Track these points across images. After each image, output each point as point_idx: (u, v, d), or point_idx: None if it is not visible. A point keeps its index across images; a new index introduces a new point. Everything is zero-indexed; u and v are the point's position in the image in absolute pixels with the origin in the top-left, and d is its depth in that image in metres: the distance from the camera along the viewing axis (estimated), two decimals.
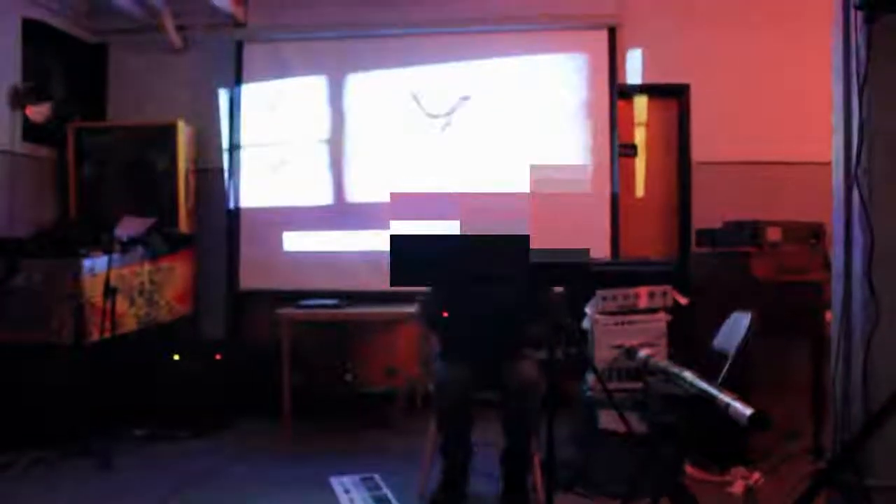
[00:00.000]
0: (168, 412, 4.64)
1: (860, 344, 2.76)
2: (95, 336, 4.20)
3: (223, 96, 5.60)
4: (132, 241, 4.66)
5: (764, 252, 4.14)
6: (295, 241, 5.42)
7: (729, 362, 2.64)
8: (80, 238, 4.52)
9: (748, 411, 2.15)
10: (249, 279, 5.46)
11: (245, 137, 5.54)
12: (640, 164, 5.55)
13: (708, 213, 5.06)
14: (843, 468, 2.72)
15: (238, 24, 5.55)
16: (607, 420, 3.44)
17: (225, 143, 5.58)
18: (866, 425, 2.65)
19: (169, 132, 5.24)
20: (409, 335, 4.76)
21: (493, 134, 5.30)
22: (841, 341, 2.89)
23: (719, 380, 2.53)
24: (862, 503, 2.66)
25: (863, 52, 2.82)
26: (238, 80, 5.54)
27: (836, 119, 2.99)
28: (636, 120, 5.58)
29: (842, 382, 2.89)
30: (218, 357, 4.87)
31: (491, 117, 5.31)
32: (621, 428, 2.89)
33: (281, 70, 5.51)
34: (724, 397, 2.29)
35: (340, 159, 5.43)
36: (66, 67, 5.51)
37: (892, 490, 2.67)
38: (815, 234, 4.39)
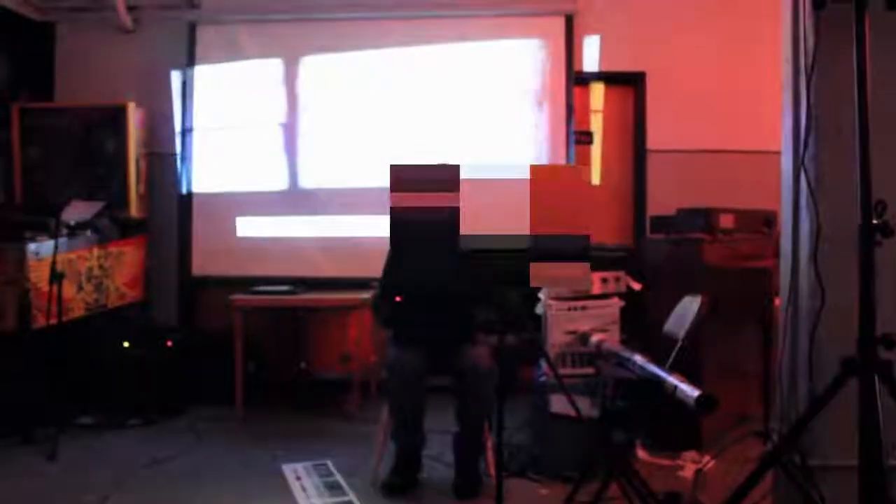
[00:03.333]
0: (118, 400, 4.55)
1: (806, 328, 2.80)
2: (41, 322, 4.09)
3: (175, 79, 5.49)
4: (80, 226, 4.55)
5: (716, 239, 4.18)
6: (249, 227, 5.34)
7: (678, 346, 2.66)
8: (25, 222, 4.40)
9: (695, 393, 2.17)
10: (202, 265, 5.37)
11: (198, 121, 5.44)
12: (595, 151, 5.58)
13: (663, 200, 5.09)
14: (788, 449, 2.76)
15: (191, 5, 5.43)
16: (559, 404, 3.45)
17: (177, 127, 5.47)
18: (810, 407, 2.68)
19: (119, 114, 5.12)
20: (364, 321, 4.72)
21: (449, 119, 5.27)
22: (788, 325, 2.93)
23: (668, 363, 2.54)
24: (806, 483, 2.70)
25: (811, 40, 2.84)
26: (191, 62, 5.42)
27: (785, 106, 3.02)
28: (592, 107, 5.60)
29: (788, 366, 2.93)
30: (169, 344, 4.79)
31: (447, 102, 5.28)
32: (573, 412, 2.89)
33: (235, 52, 5.40)
34: (672, 380, 2.31)
35: (295, 144, 5.36)
36: (12, 46, 5.34)
37: (834, 469, 2.71)
38: (767, 221, 4.45)
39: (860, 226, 2.50)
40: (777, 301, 3.45)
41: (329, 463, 3.79)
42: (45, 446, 3.87)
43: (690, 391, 2.19)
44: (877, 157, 2.54)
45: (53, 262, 4.07)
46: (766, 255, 4.31)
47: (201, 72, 5.42)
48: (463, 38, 5.32)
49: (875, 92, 2.55)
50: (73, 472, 3.68)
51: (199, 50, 5.43)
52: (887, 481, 2.66)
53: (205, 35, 5.43)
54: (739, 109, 5.24)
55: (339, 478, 3.60)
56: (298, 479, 3.59)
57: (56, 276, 4.06)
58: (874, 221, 2.49)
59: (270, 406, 4.88)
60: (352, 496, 3.37)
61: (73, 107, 5.22)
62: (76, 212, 4.58)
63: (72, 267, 4.36)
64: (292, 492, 3.43)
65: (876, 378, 2.46)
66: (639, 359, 2.62)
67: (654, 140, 5.42)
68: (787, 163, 3.01)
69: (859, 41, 2.44)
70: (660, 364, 2.57)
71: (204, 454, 3.97)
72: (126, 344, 4.70)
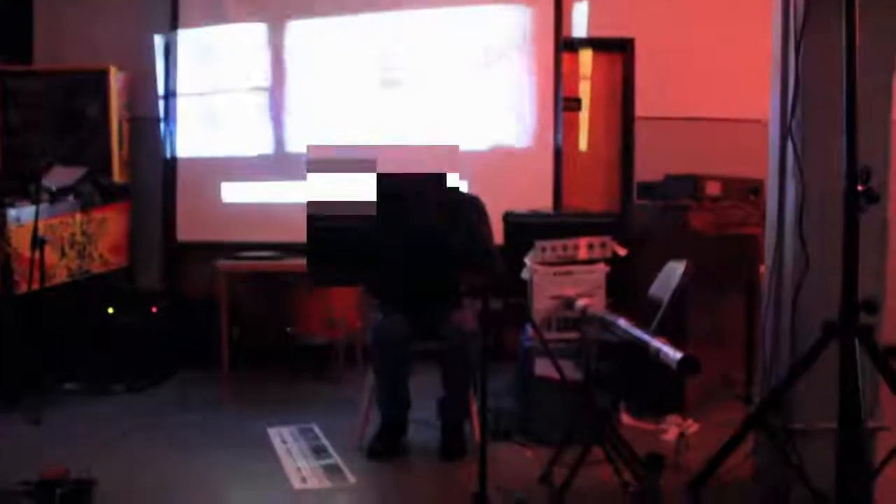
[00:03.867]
0: (102, 366, 4.53)
1: (790, 292, 2.82)
2: (24, 288, 4.05)
3: (158, 42, 5.40)
4: (62, 191, 4.50)
5: (703, 206, 4.19)
6: (234, 192, 5.29)
7: (662, 309, 2.67)
8: (4, 188, 4.34)
9: (678, 355, 2.18)
10: (187, 231, 5.32)
11: (181, 85, 5.36)
12: (583, 118, 5.55)
13: (650, 168, 5.09)
14: (769, 412, 2.79)
15: None
16: (543, 367, 3.47)
17: (160, 91, 5.40)
18: (792, 371, 2.71)
19: (100, 78, 5.03)
20: (349, 287, 4.71)
21: (436, 85, 5.22)
22: (772, 290, 2.95)
23: (652, 327, 2.56)
24: (787, 445, 2.73)
25: (801, 7, 2.83)
26: (174, 26, 5.33)
27: (774, 72, 3.02)
28: (581, 74, 5.56)
29: (771, 330, 2.95)
30: (154, 310, 4.77)
31: (434, 68, 5.23)
32: (557, 375, 2.91)
33: (219, 15, 5.31)
34: (656, 343, 2.32)
35: (281, 108, 5.30)
36: None
37: (814, 433, 2.75)
38: (753, 189, 4.46)
39: (845, 191, 2.51)
40: (762, 268, 3.47)
41: (315, 427, 3.80)
42: (29, 412, 3.85)
43: (673, 353, 2.20)
44: (862, 124, 2.55)
45: (35, 228, 4.02)
46: (752, 223, 4.32)
47: (185, 35, 5.34)
48: (451, 2, 5.25)
49: (862, 60, 2.55)
50: (58, 436, 3.68)
51: (182, 13, 5.32)
52: (866, 444, 2.71)
53: None
54: (728, 77, 5.21)
55: (324, 441, 3.61)
56: (284, 442, 3.60)
57: (38, 242, 4.01)
58: (859, 188, 2.50)
59: (256, 371, 4.89)
60: (337, 459, 3.39)
61: (53, 70, 5.12)
62: (58, 177, 4.52)
63: (54, 233, 4.31)
64: (278, 455, 3.44)
65: (856, 342, 2.49)
66: (623, 322, 2.63)
67: (642, 107, 5.39)
68: (774, 129, 3.01)
69: (848, 9, 2.43)
70: (644, 327, 2.59)
71: (189, 419, 3.97)
72: (110, 310, 4.68)
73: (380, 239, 3.42)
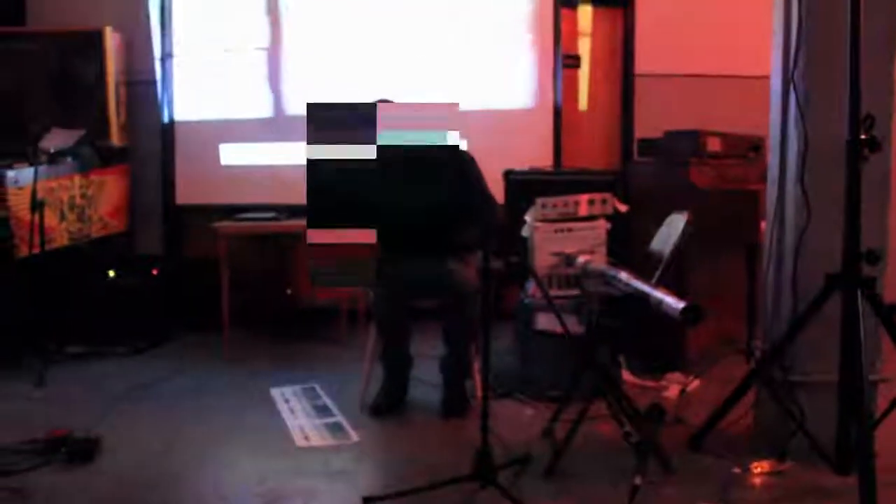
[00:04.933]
0: (104, 329, 4.53)
1: (791, 245, 2.81)
2: (24, 251, 4.04)
3: (153, 2, 5.32)
4: (60, 153, 4.47)
5: (703, 162, 4.16)
6: (233, 155, 5.26)
7: (664, 262, 2.66)
8: (2, 150, 4.31)
9: (680, 305, 2.17)
10: (186, 194, 5.29)
11: (178, 47, 5.30)
12: (583, 75, 5.50)
13: (651, 126, 5.02)
14: (770, 365, 2.80)
15: None
16: (544, 321, 3.47)
17: (157, 53, 5.34)
18: (792, 324, 2.72)
19: (95, 39, 4.95)
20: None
21: (434, 44, 5.16)
22: (773, 243, 2.94)
23: (654, 278, 2.55)
24: (787, 397, 2.74)
25: None
26: None
27: (776, 22, 2.97)
28: (580, 30, 5.49)
29: (773, 283, 2.95)
30: (155, 272, 4.77)
31: (433, 27, 5.16)
32: (558, 329, 2.91)
33: None
34: (658, 294, 2.31)
35: (279, 69, 5.25)
36: None
37: (814, 385, 2.75)
38: (754, 146, 4.42)
39: (848, 140, 2.50)
40: (763, 225, 3.46)
41: (317, 386, 3.82)
42: (32, 374, 3.87)
43: (675, 303, 2.20)
44: (865, 74, 2.52)
45: (34, 191, 4.00)
46: (753, 180, 4.30)
47: None
48: None
49: (865, 8, 2.52)
50: (61, 397, 3.70)
51: None
52: (867, 396, 2.72)
53: None
54: (728, 34, 5.14)
55: (326, 400, 3.63)
56: (287, 401, 3.62)
57: (37, 205, 3.99)
58: (862, 136, 2.48)
59: (257, 333, 4.90)
60: (340, 417, 3.41)
61: (47, 32, 5.04)
62: (56, 139, 4.48)
63: (53, 195, 4.29)
64: (281, 413, 3.46)
65: (859, 293, 2.49)
66: (624, 275, 2.62)
67: (642, 64, 5.34)
68: (775, 80, 2.98)
69: None
70: (646, 280, 2.58)
71: (191, 380, 3.99)
72: (111, 273, 4.68)
73: (380, 197, 3.40)
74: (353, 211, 2.99)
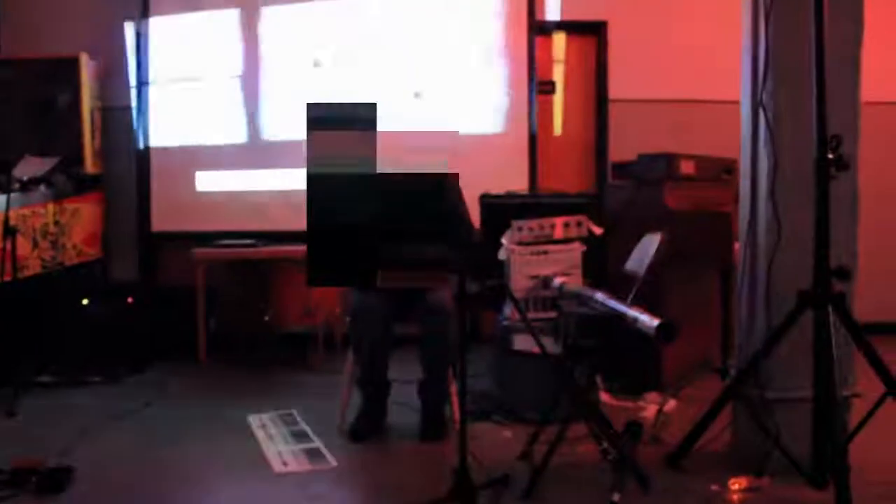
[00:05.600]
0: (78, 358, 4.48)
1: (764, 263, 2.85)
2: None
3: (129, 30, 5.34)
4: (33, 181, 4.44)
5: (677, 184, 4.22)
6: (209, 181, 5.26)
7: (638, 282, 2.69)
8: None
9: (655, 322, 2.19)
10: (162, 221, 5.28)
11: (154, 74, 5.31)
12: (557, 101, 5.57)
13: (625, 149, 5.10)
14: (746, 381, 2.82)
15: None
16: (522, 342, 3.48)
17: (132, 80, 5.34)
18: (767, 341, 2.75)
19: (71, 66, 4.96)
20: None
21: (411, 70, 5.21)
22: (746, 261, 2.98)
23: (629, 298, 2.57)
24: (763, 414, 2.76)
25: None
26: (145, 13, 5.27)
27: (745, 44, 3.04)
28: (554, 57, 5.58)
29: (746, 301, 2.98)
30: (130, 300, 4.73)
31: (408, 53, 5.22)
32: (535, 349, 2.92)
33: (191, 3, 5.27)
34: (633, 312, 2.33)
35: (255, 96, 5.27)
36: None
37: (789, 401, 2.78)
38: (727, 169, 4.49)
39: (816, 160, 2.54)
40: (736, 246, 3.50)
41: (294, 412, 3.79)
42: (3, 403, 3.80)
43: (650, 321, 2.22)
44: (832, 95, 2.58)
45: (6, 218, 3.97)
46: (727, 202, 4.35)
47: (156, 23, 5.28)
48: None
49: (831, 31, 2.59)
50: (34, 426, 3.63)
51: (153, 0, 5.28)
52: (840, 411, 2.75)
53: None
54: (701, 59, 5.26)
55: (304, 426, 3.60)
56: (264, 427, 3.59)
57: (9, 231, 3.96)
58: (829, 156, 2.54)
59: (234, 360, 4.86)
60: (318, 443, 3.38)
61: (22, 59, 5.04)
62: (29, 167, 4.47)
63: (25, 223, 4.26)
64: (258, 440, 3.42)
65: (830, 309, 2.53)
66: (600, 295, 2.64)
67: (615, 89, 5.42)
68: (745, 101, 3.04)
69: None
70: (621, 300, 2.60)
71: (168, 408, 3.94)
72: (85, 301, 4.63)
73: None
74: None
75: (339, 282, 3.52)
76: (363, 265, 3.52)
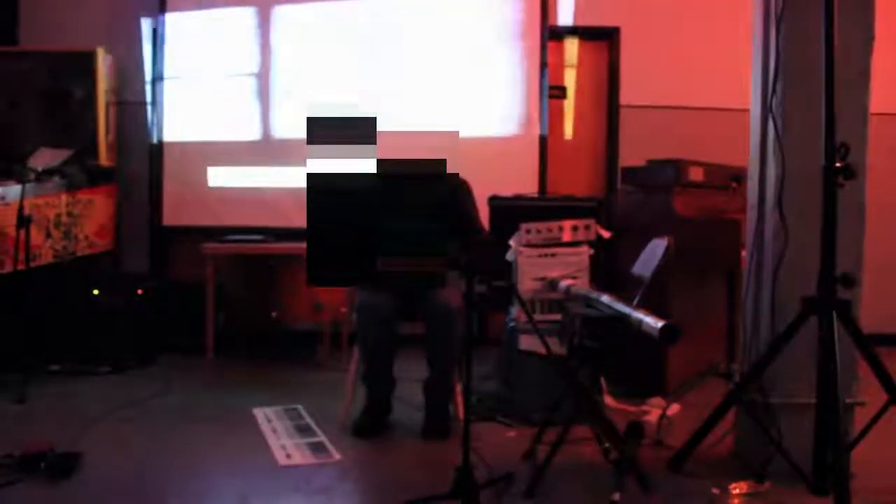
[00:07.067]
0: (87, 348, 4.53)
1: (770, 270, 2.86)
2: (9, 267, 4.04)
3: (146, 26, 5.40)
4: (48, 172, 4.49)
5: (686, 191, 4.23)
6: (220, 177, 5.30)
7: (644, 285, 2.71)
8: None
9: (659, 324, 2.21)
10: (173, 215, 5.32)
11: (169, 69, 5.36)
12: (569, 106, 5.59)
13: (635, 155, 5.11)
14: (750, 387, 2.83)
15: None
16: (527, 343, 3.50)
17: (148, 75, 5.39)
18: (772, 346, 2.76)
19: (88, 60, 5.01)
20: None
21: (423, 73, 5.25)
22: (752, 267, 2.99)
23: (635, 301, 2.59)
24: (766, 419, 2.77)
25: None
26: (162, 9, 5.32)
27: (755, 52, 3.06)
28: (566, 62, 5.60)
29: (752, 307, 3.00)
30: (140, 292, 4.77)
31: (421, 55, 5.26)
32: (541, 350, 2.94)
33: (207, 0, 5.32)
34: (637, 314, 2.35)
35: (268, 93, 5.31)
36: None
37: (792, 406, 2.79)
38: (735, 177, 4.50)
39: (824, 167, 2.56)
40: (743, 252, 3.52)
41: (300, 407, 3.82)
42: (13, 391, 3.85)
43: (654, 322, 2.23)
44: (840, 103, 2.60)
45: (21, 207, 4.02)
46: (734, 209, 4.37)
47: (172, 19, 5.33)
48: None
49: (841, 39, 2.60)
50: (42, 414, 3.68)
51: None
52: (843, 418, 2.76)
53: None
54: (711, 67, 5.27)
55: (309, 421, 3.63)
56: (269, 421, 3.61)
57: (23, 221, 4.01)
58: (837, 164, 2.55)
59: (241, 355, 4.89)
60: (322, 437, 3.40)
61: (40, 51, 5.09)
62: (44, 158, 4.51)
63: (39, 212, 4.30)
64: (263, 434, 3.45)
65: (834, 316, 2.54)
66: (606, 298, 2.66)
67: (627, 95, 5.44)
68: (755, 109, 3.06)
69: None
70: (627, 303, 2.62)
71: (175, 400, 3.98)
72: (96, 292, 4.68)
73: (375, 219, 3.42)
74: (354, 236, 2.95)
75: (339, 282, 3.56)
76: (363, 265, 3.57)
